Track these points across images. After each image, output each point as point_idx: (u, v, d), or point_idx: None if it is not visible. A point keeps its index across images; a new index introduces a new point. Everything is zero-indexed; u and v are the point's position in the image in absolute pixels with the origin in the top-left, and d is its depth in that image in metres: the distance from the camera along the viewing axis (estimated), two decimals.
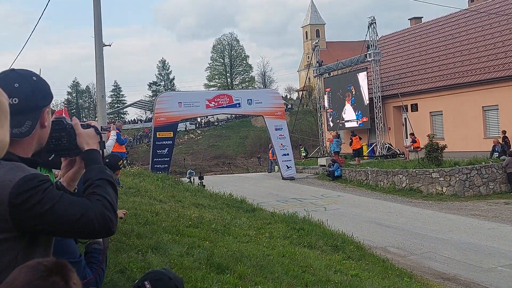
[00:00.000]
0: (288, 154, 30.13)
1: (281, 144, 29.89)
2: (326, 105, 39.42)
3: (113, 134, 12.37)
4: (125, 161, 19.43)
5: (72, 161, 2.32)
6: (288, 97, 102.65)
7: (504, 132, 25.45)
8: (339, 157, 30.62)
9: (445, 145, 24.35)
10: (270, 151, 35.66)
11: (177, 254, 7.31)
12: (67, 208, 1.91)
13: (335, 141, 30.97)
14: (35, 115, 2.07)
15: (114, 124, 17.67)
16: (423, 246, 13.71)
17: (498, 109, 27.39)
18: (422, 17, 45.57)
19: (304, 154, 41.11)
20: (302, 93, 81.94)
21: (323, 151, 38.28)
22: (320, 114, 40.65)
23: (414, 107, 33.20)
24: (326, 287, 7.57)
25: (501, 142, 24.98)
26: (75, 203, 1.94)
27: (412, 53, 37.71)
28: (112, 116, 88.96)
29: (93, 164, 2.18)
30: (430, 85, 31.98)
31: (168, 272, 2.35)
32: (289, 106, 75.54)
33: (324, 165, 31.06)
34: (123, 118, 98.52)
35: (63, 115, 5.07)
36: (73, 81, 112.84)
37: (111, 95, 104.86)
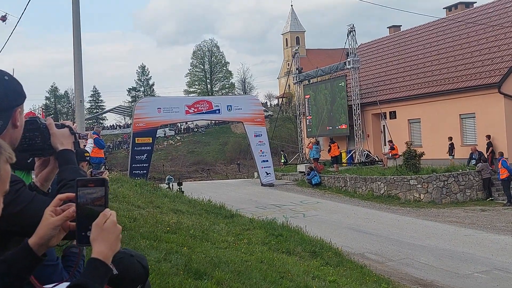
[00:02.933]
0: (267, 161, 30.17)
1: (261, 150, 29.91)
2: (306, 112, 39.55)
3: (89, 142, 12.36)
4: (103, 166, 19.30)
5: (45, 161, 2.29)
6: (268, 104, 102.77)
7: None
8: (318, 163, 30.71)
9: (423, 152, 24.64)
10: None
11: (155, 260, 7.23)
12: (40, 209, 1.87)
13: (314, 147, 31.05)
14: (6, 115, 2.03)
15: (93, 129, 17.66)
16: (401, 252, 13.80)
17: (475, 117, 27.70)
18: (401, 26, 45.91)
19: (283, 161, 41.13)
20: (282, 100, 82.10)
21: (303, 158, 38.36)
22: (300, 121, 40.77)
23: (393, 115, 33.46)
24: None
25: (478, 150, 25.18)
26: (48, 204, 1.91)
27: (390, 61, 38.02)
28: (91, 121, 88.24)
29: (67, 164, 2.15)
30: (408, 93, 32.25)
31: (128, 251, 2.27)
32: (270, 113, 75.51)
33: (304, 172, 31.13)
34: (102, 123, 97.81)
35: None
36: (52, 86, 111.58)
37: (90, 100, 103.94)
